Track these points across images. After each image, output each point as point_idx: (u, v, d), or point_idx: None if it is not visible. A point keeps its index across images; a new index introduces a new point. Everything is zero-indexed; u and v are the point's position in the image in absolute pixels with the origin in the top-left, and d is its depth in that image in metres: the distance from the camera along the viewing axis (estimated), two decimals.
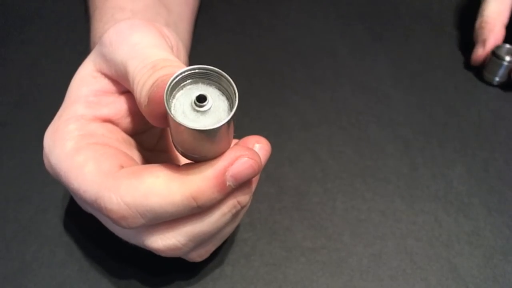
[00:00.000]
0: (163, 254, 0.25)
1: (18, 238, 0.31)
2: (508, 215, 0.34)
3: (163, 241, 0.24)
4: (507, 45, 0.44)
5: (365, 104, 0.40)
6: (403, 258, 0.31)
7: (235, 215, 0.25)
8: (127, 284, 0.29)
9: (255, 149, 0.24)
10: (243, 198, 0.24)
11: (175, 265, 0.29)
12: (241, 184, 0.23)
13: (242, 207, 0.25)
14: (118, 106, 0.26)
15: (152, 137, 0.29)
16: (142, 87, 0.22)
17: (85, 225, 0.31)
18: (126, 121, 0.27)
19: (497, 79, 0.42)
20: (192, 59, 0.38)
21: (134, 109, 0.26)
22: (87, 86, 0.26)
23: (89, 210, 0.26)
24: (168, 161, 0.29)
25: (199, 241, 0.25)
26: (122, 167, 0.24)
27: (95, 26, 0.35)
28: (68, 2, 0.47)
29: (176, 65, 0.23)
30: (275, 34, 0.46)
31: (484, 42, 0.44)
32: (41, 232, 0.31)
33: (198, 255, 0.27)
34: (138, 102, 0.23)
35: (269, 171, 0.35)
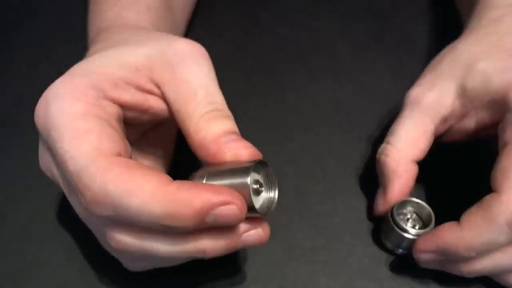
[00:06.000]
0: (108, 250, 0.25)
1: (18, 238, 0.31)
2: None
3: (117, 239, 0.23)
4: (414, 200, 0.30)
5: (365, 104, 0.40)
6: (403, 258, 0.31)
7: (188, 255, 0.24)
8: (128, 284, 0.29)
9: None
10: (210, 244, 0.24)
11: (174, 266, 0.29)
12: (215, 229, 0.23)
13: (203, 254, 0.24)
14: (139, 99, 0.26)
15: (139, 133, 0.29)
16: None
17: (85, 225, 0.31)
18: (137, 115, 0.26)
19: (400, 250, 0.30)
20: None
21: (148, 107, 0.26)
22: (128, 71, 0.25)
23: (54, 174, 0.25)
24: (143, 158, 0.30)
25: (145, 255, 0.24)
26: (120, 155, 0.23)
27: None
28: (68, 2, 0.47)
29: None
30: (275, 34, 0.46)
31: (384, 190, 0.30)
32: (41, 232, 0.31)
33: (134, 266, 0.27)
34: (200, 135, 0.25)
35: None
